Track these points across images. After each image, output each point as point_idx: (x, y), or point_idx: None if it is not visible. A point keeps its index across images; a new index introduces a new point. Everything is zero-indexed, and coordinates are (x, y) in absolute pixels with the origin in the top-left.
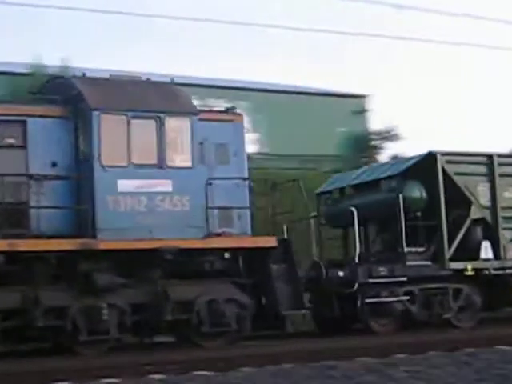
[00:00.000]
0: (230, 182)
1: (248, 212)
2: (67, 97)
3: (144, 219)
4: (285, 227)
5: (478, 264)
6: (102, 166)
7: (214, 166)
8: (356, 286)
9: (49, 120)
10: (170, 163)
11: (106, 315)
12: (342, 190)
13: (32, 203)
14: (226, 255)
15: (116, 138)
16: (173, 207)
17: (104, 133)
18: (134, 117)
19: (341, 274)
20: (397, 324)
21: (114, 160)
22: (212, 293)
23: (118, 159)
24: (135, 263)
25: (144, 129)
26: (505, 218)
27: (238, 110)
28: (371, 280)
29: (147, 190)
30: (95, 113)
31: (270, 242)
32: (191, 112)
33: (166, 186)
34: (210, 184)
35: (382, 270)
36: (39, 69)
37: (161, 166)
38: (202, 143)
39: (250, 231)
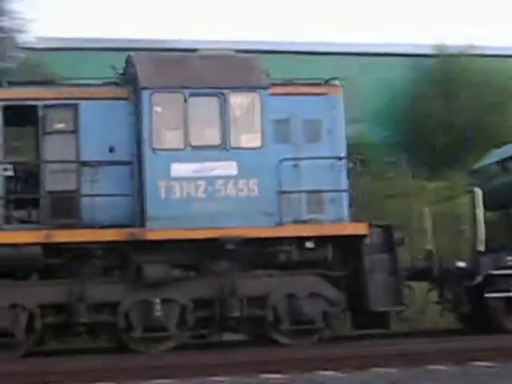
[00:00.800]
0: (321, 162)
1: (344, 195)
2: (129, 76)
3: (202, 206)
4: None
5: None
6: (153, 149)
7: (302, 144)
8: (478, 278)
9: (104, 102)
10: (234, 144)
11: (159, 311)
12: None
13: (84, 191)
14: (309, 244)
15: (171, 118)
16: (237, 192)
17: (156, 113)
18: (192, 94)
19: (461, 264)
20: None
21: (168, 142)
22: (290, 287)
23: (172, 141)
24: (197, 255)
25: (205, 107)
26: None
27: (336, 82)
28: (497, 272)
29: (207, 174)
30: (146, 92)
31: (359, 229)
32: (260, 86)
33: (229, 168)
34: (294, 165)
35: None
36: (442, 50)
37: (224, 147)
38: (285, 120)
39: (346, 217)
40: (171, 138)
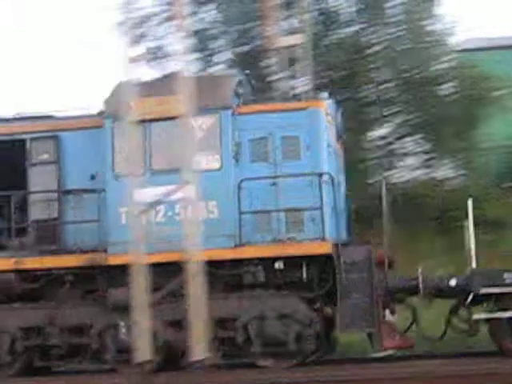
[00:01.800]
0: (300, 179)
1: (325, 213)
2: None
3: (162, 230)
4: None
5: None
6: (116, 177)
7: (281, 162)
8: (470, 297)
9: (85, 132)
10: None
11: (124, 333)
12: None
13: (66, 218)
14: (277, 265)
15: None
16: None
17: (117, 142)
18: (153, 119)
19: (453, 282)
20: None
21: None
22: (259, 308)
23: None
24: (163, 278)
25: (165, 132)
26: None
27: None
28: (490, 290)
29: (166, 198)
30: (108, 121)
31: (321, 248)
32: (220, 107)
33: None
34: (272, 183)
35: (508, 278)
36: None
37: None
38: (263, 138)
39: (326, 235)
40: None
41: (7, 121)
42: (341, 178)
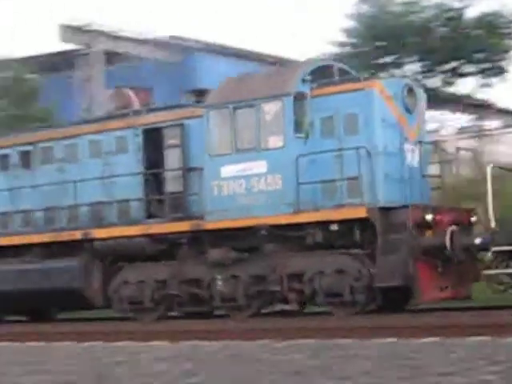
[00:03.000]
0: (358, 151)
1: (377, 180)
2: None
3: (241, 200)
4: None
5: None
6: (209, 156)
7: (343, 137)
8: (488, 255)
9: (199, 120)
10: (265, 146)
11: (221, 286)
12: None
13: (188, 191)
14: (333, 227)
15: (223, 129)
16: (266, 186)
17: (211, 127)
18: (236, 108)
19: (477, 241)
20: None
21: (221, 149)
22: (320, 265)
23: (223, 149)
24: (247, 240)
25: (246, 118)
26: None
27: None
28: (499, 248)
29: (245, 173)
30: (205, 110)
31: (358, 213)
32: (283, 94)
33: (259, 167)
34: (336, 155)
35: None
36: None
37: (256, 149)
38: (330, 117)
39: (381, 200)
40: (223, 146)
41: (152, 110)
42: (414, 150)
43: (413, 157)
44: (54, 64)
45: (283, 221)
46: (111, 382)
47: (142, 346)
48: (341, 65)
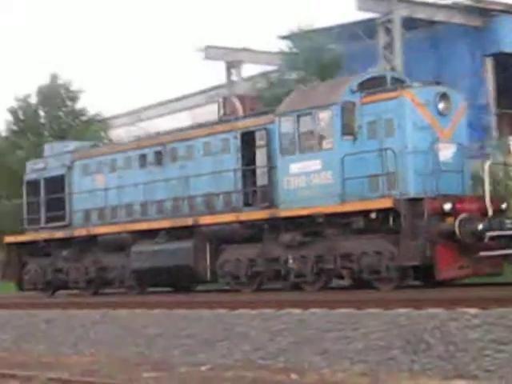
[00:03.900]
0: (395, 149)
1: (408, 175)
2: None
3: (304, 192)
4: None
5: None
6: (281, 155)
7: (384, 138)
8: (486, 238)
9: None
10: (317, 147)
11: (292, 264)
12: None
13: (271, 185)
14: (372, 215)
15: (290, 133)
16: (320, 181)
17: (282, 131)
18: (299, 115)
19: (480, 227)
20: None
21: (289, 150)
22: (363, 246)
23: (291, 150)
24: (309, 226)
25: (306, 123)
26: None
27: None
28: (492, 233)
29: (306, 170)
30: (277, 117)
31: (386, 203)
32: (332, 103)
33: (315, 165)
34: (377, 155)
35: (508, 223)
36: None
37: (313, 150)
38: (373, 121)
39: (410, 192)
40: (290, 147)
41: (247, 117)
42: (450, 148)
43: (446, 154)
44: (354, 33)
45: (331, 210)
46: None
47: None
48: (394, 73)
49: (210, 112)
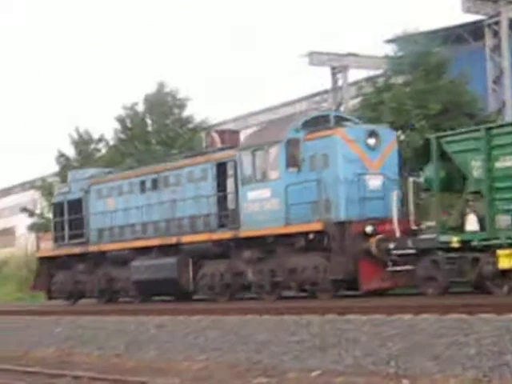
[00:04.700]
0: (329, 180)
1: (339, 201)
2: None
3: (258, 216)
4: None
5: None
6: (242, 184)
7: (321, 170)
8: (393, 257)
9: None
10: (268, 177)
11: (250, 276)
12: None
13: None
14: (311, 236)
15: (247, 164)
16: (270, 207)
17: (243, 163)
18: (254, 150)
19: (391, 245)
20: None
21: (247, 179)
22: (304, 262)
23: (249, 179)
24: (263, 245)
25: (260, 157)
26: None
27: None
28: (397, 251)
29: (260, 197)
30: (238, 151)
31: (317, 226)
32: (279, 140)
33: (266, 193)
34: (316, 184)
35: (410, 243)
36: None
37: (264, 180)
38: (313, 155)
39: (341, 216)
40: (249, 177)
41: (221, 149)
42: (378, 178)
43: (374, 183)
44: (460, 35)
45: (278, 231)
46: None
47: None
48: (338, 113)
49: None
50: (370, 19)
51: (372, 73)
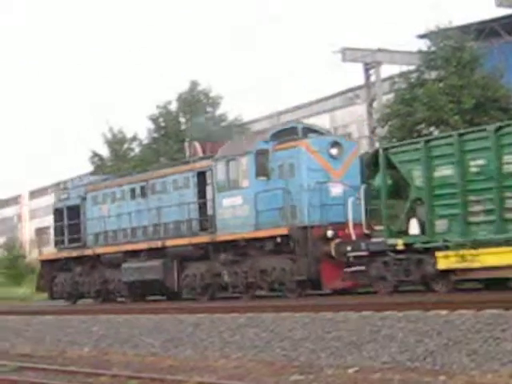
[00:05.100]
0: (294, 188)
1: (303, 208)
2: None
3: (231, 221)
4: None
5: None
6: (218, 191)
7: (288, 178)
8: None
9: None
10: (241, 185)
11: (226, 277)
12: None
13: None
14: (278, 240)
15: (222, 173)
16: (241, 213)
17: (218, 173)
18: (228, 160)
19: (348, 248)
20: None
21: (222, 187)
22: (273, 264)
23: (223, 187)
24: (237, 248)
25: (233, 167)
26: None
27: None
28: (351, 253)
29: (232, 204)
30: (214, 161)
31: (282, 231)
32: (249, 152)
33: (238, 200)
34: (283, 192)
35: (363, 245)
36: None
37: (237, 187)
38: (282, 164)
39: (305, 221)
40: (226, 183)
41: (202, 159)
42: (340, 186)
43: (336, 191)
44: (494, 30)
45: (248, 236)
46: None
47: None
48: (306, 124)
49: (350, 113)
50: (403, 14)
51: (405, 68)
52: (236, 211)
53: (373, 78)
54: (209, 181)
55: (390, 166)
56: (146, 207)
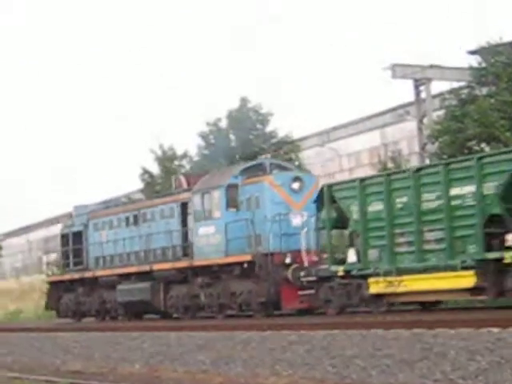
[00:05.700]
0: (259, 218)
1: (266, 236)
2: None
3: (206, 248)
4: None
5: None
6: (195, 221)
7: (254, 210)
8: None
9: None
10: (213, 216)
11: (203, 299)
12: None
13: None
14: (245, 265)
15: (198, 205)
16: (214, 241)
17: (195, 204)
18: (203, 193)
19: (302, 274)
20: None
21: (198, 217)
22: (241, 287)
23: (199, 217)
24: (211, 272)
25: (207, 199)
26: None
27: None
28: (304, 279)
29: (206, 233)
30: (192, 193)
31: (247, 257)
32: (220, 185)
33: (211, 229)
34: (250, 222)
35: (315, 271)
36: None
37: (210, 218)
38: (249, 197)
39: (267, 249)
40: (200, 214)
41: (185, 191)
42: (300, 217)
43: (296, 221)
44: None
45: (220, 261)
46: None
47: None
48: (273, 160)
49: (400, 130)
50: (453, 30)
51: (455, 84)
52: (210, 239)
53: (423, 95)
54: (190, 211)
55: (333, 200)
56: (137, 234)
